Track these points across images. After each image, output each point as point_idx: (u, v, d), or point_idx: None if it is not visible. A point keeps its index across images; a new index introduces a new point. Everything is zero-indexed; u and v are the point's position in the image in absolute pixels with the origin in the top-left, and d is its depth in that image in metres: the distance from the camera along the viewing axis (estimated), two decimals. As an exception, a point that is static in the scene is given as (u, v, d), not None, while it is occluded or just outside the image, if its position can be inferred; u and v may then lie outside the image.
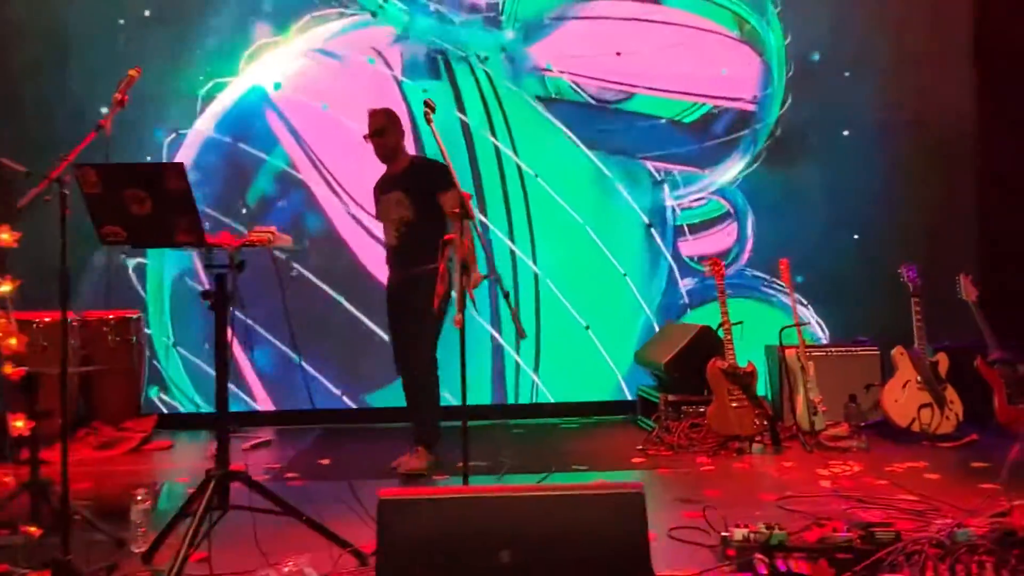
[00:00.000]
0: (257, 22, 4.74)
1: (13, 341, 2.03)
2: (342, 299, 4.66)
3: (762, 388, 4.16)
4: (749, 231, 4.86)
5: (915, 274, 4.01)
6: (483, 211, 4.76)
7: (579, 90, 4.83)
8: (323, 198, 4.76)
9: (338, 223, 4.75)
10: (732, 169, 4.87)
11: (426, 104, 2.45)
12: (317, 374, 4.62)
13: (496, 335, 4.78)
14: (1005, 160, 4.69)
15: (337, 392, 4.69)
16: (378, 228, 3.85)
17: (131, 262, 4.66)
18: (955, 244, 4.75)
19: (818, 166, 4.85)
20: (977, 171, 4.89)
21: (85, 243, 2.42)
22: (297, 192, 4.74)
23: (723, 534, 2.29)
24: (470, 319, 4.16)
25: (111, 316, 4.18)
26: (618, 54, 4.78)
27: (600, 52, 4.80)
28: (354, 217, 4.70)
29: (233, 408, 4.55)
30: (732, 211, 4.86)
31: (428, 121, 2.41)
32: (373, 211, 3.72)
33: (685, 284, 4.87)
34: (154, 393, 4.65)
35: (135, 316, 4.35)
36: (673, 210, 4.86)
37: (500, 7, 4.81)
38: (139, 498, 2.58)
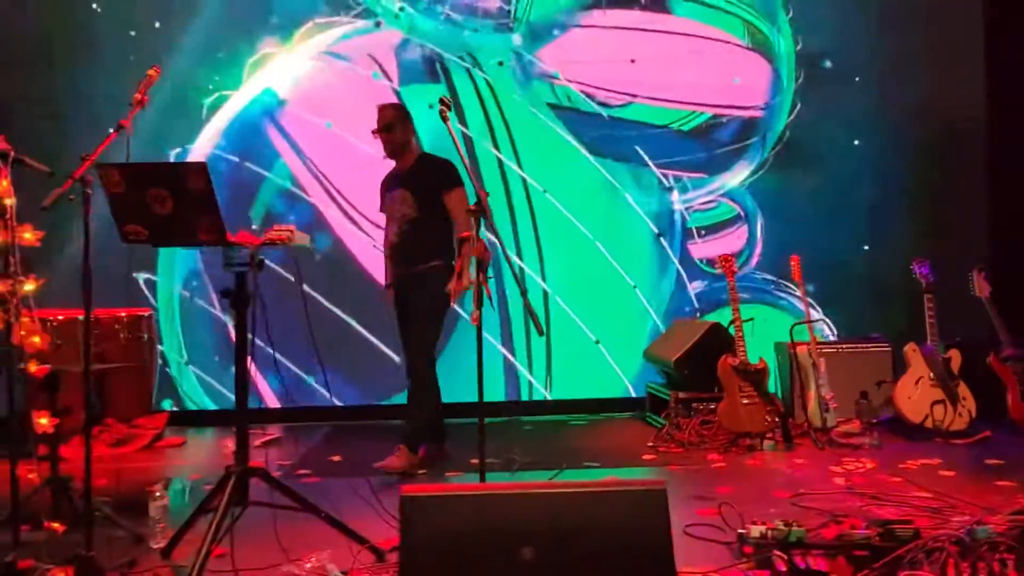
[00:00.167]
0: (261, 30, 4.74)
1: (37, 339, 2.04)
2: (352, 321, 4.68)
3: (772, 385, 4.16)
4: (759, 234, 4.86)
5: (927, 270, 4.01)
6: (490, 227, 4.79)
7: (587, 98, 4.82)
8: (323, 205, 4.76)
9: (343, 236, 4.76)
10: (740, 174, 4.87)
11: (441, 102, 2.44)
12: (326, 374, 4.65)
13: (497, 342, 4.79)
14: (1018, 156, 4.68)
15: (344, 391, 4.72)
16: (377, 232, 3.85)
17: (141, 277, 4.69)
18: (967, 240, 4.74)
19: (827, 167, 4.85)
20: (989, 167, 4.88)
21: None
22: (302, 205, 4.75)
23: (740, 531, 2.30)
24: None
25: (123, 314, 4.19)
26: (632, 61, 4.78)
27: (613, 59, 4.80)
28: (361, 227, 4.69)
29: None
30: (742, 214, 4.86)
31: (444, 119, 2.40)
32: (377, 210, 3.71)
33: (694, 287, 4.87)
34: (167, 405, 4.67)
35: (147, 314, 4.36)
36: (682, 214, 4.86)
37: (512, 12, 4.80)
38: (157, 494, 2.59)
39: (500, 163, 4.80)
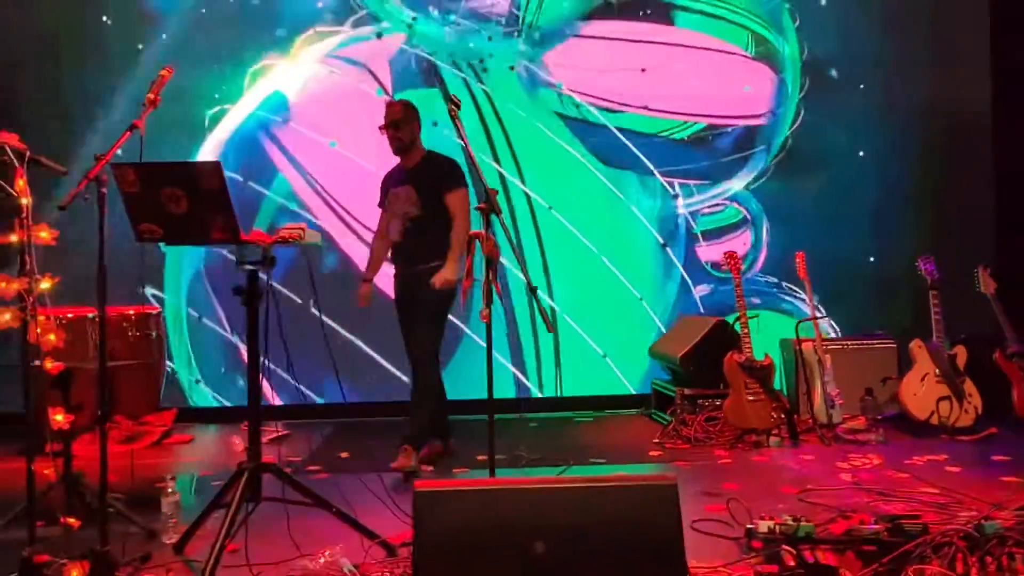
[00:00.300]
0: (266, 41, 4.75)
1: (52, 337, 2.06)
2: (359, 341, 4.69)
3: (778, 382, 4.18)
4: (764, 237, 4.87)
5: (932, 267, 4.02)
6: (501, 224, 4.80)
7: (592, 107, 4.83)
8: (322, 215, 4.77)
9: (347, 250, 4.77)
10: (745, 179, 4.89)
11: (451, 101, 2.45)
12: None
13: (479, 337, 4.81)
14: (1022, 152, 4.69)
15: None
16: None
17: (149, 291, 4.73)
18: (973, 237, 4.75)
19: (832, 170, 4.87)
20: (995, 164, 4.88)
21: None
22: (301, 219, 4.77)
23: (748, 526, 2.31)
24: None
25: (131, 311, 4.21)
26: (643, 70, 4.80)
27: (620, 69, 4.81)
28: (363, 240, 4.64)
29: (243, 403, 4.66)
30: (748, 217, 4.88)
31: (454, 118, 2.41)
32: (377, 207, 3.67)
33: (700, 291, 4.89)
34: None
35: (155, 312, 4.39)
36: (687, 219, 4.88)
37: (521, 18, 4.81)
38: (169, 491, 2.62)
39: (503, 178, 4.81)
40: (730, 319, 4.11)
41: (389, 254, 3.62)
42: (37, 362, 2.16)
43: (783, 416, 3.80)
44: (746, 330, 3.86)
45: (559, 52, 4.84)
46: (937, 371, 3.92)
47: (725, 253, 4.08)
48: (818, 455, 3.54)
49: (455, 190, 3.43)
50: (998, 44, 4.85)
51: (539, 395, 4.84)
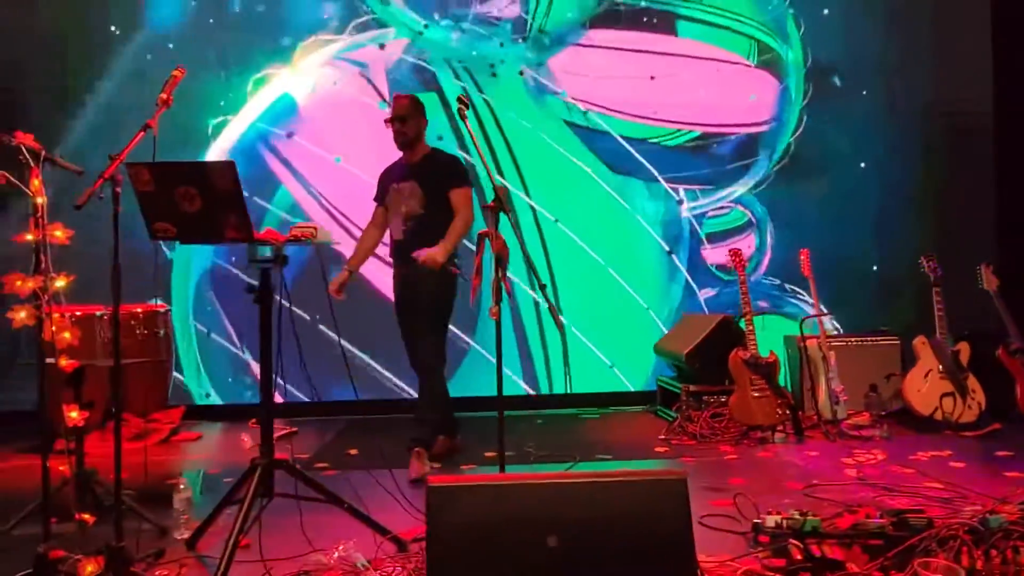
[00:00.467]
0: (271, 50, 4.77)
1: (67, 335, 2.09)
2: (366, 356, 4.71)
3: (783, 378, 4.19)
4: (768, 240, 4.89)
5: (936, 264, 4.04)
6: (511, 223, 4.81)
7: (596, 115, 4.85)
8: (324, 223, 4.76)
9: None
10: (749, 184, 4.91)
11: (460, 100, 2.47)
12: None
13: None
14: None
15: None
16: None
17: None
18: (975, 235, 4.76)
19: (835, 172, 4.89)
20: (997, 162, 4.90)
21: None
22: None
23: (755, 521, 2.34)
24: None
25: (139, 310, 4.24)
26: (652, 78, 4.82)
27: (629, 76, 4.84)
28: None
29: (250, 392, 4.67)
30: (753, 220, 4.90)
31: (462, 117, 2.43)
32: (374, 199, 3.64)
33: (705, 294, 4.90)
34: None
35: (163, 310, 4.41)
36: (691, 221, 4.90)
37: (528, 24, 4.82)
38: (181, 487, 2.65)
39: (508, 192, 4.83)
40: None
41: (389, 252, 3.59)
42: (51, 359, 2.19)
43: (788, 412, 3.82)
44: (751, 327, 3.88)
45: (567, 59, 4.85)
46: (941, 367, 3.94)
47: (730, 251, 4.10)
48: (823, 451, 3.56)
49: (460, 187, 3.42)
50: (999, 44, 4.87)
51: (529, 394, 4.87)
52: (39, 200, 2.04)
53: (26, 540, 2.36)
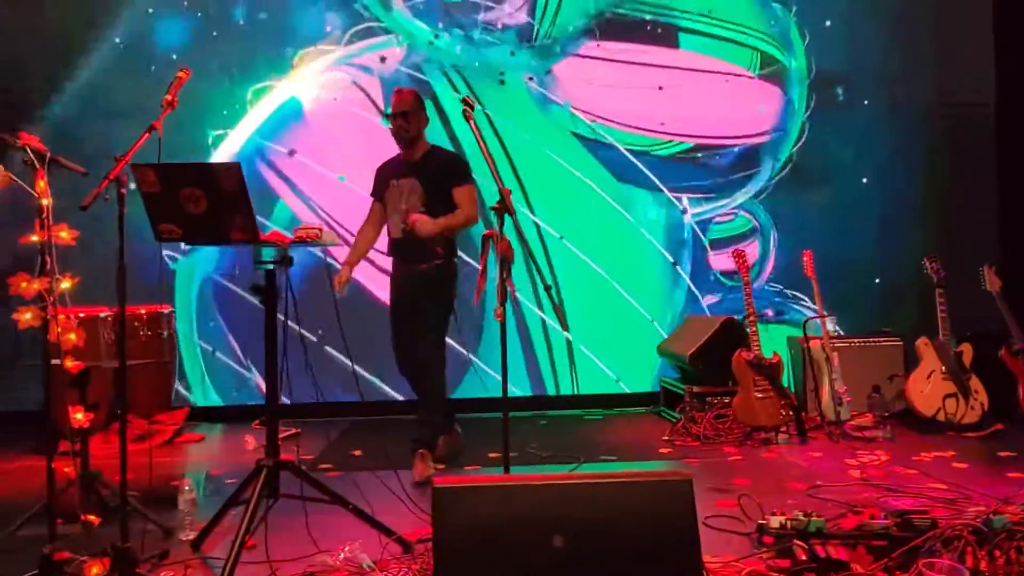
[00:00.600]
0: (275, 62, 4.76)
1: (73, 336, 2.09)
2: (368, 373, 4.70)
3: (786, 379, 4.20)
4: (772, 246, 4.90)
5: (939, 265, 4.04)
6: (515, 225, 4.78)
7: (600, 125, 4.86)
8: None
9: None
10: (751, 192, 4.93)
11: (464, 102, 2.46)
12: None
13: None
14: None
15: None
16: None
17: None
18: (978, 236, 4.77)
19: (838, 176, 4.90)
20: (999, 164, 4.91)
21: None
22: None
23: (759, 521, 2.34)
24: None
25: (143, 311, 4.24)
26: (660, 88, 4.83)
27: (636, 87, 4.84)
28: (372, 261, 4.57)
29: (252, 401, 4.68)
30: (757, 226, 4.91)
31: (467, 119, 2.43)
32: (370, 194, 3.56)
33: (708, 301, 4.90)
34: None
35: (167, 311, 4.41)
36: (693, 228, 4.90)
37: (535, 32, 4.82)
38: (186, 488, 2.66)
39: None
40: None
41: (387, 251, 3.52)
42: (55, 361, 2.19)
43: (791, 413, 3.82)
44: (754, 328, 3.88)
45: (571, 69, 4.85)
46: (943, 368, 3.94)
47: (733, 251, 4.10)
48: (826, 452, 3.56)
49: (464, 184, 3.35)
50: (1001, 45, 4.87)
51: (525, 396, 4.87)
52: (44, 201, 2.05)
53: (31, 541, 2.36)
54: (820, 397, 4.03)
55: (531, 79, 4.84)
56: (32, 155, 2.08)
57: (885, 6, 4.95)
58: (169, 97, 2.17)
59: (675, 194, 4.89)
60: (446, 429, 3.55)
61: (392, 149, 3.47)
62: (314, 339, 4.50)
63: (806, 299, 4.72)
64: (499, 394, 2.34)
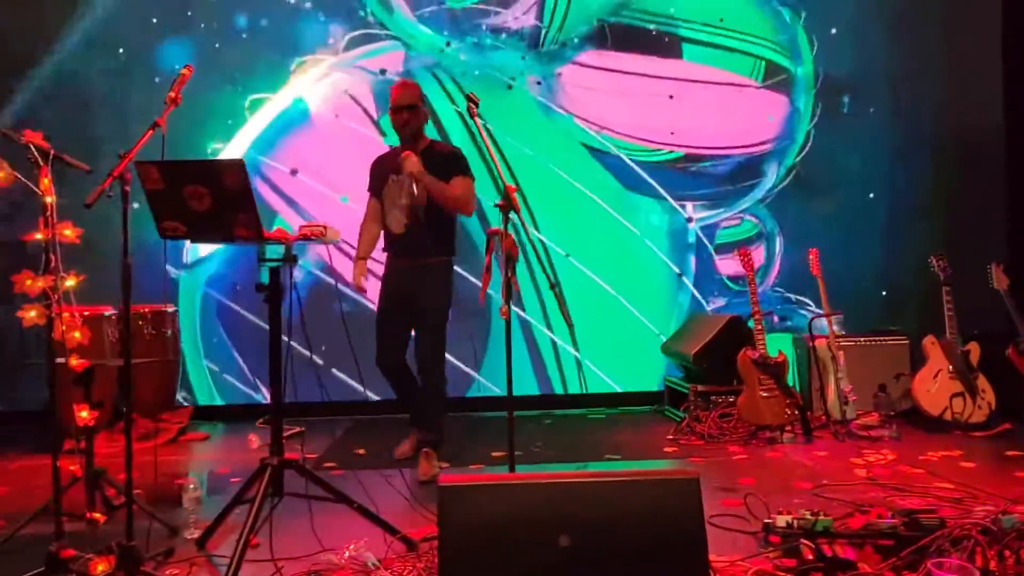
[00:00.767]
0: (269, 69, 4.73)
1: (77, 334, 2.09)
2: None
3: (791, 378, 4.18)
4: (778, 251, 4.88)
5: (945, 263, 4.03)
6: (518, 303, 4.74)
7: (607, 136, 4.85)
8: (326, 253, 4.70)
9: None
10: (757, 198, 4.92)
11: (469, 99, 2.46)
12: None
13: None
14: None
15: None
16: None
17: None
18: (986, 234, 4.75)
19: (845, 179, 4.89)
20: (1007, 162, 4.88)
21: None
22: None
23: (766, 521, 2.33)
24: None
25: (147, 310, 4.25)
26: (671, 97, 4.81)
27: (637, 97, 4.83)
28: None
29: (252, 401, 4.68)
30: (764, 231, 4.89)
31: (472, 116, 2.42)
32: (367, 189, 3.51)
33: (714, 305, 4.88)
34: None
35: (170, 310, 4.42)
36: (698, 236, 4.88)
37: (542, 38, 4.81)
38: (191, 487, 2.65)
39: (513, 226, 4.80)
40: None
41: (383, 246, 3.45)
42: (60, 359, 2.19)
43: (797, 412, 3.81)
44: (759, 326, 3.87)
45: (575, 78, 4.83)
46: (950, 367, 3.92)
47: (739, 250, 4.08)
48: (832, 451, 3.55)
49: (464, 175, 3.31)
50: (1009, 44, 4.85)
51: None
52: (48, 199, 2.04)
53: (37, 539, 2.36)
54: (826, 396, 4.01)
55: (538, 83, 4.81)
56: (36, 152, 2.07)
57: (891, 10, 4.92)
58: (173, 94, 2.17)
59: (679, 202, 4.88)
60: (420, 430, 3.47)
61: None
62: (321, 349, 4.48)
63: (811, 304, 4.70)
64: (507, 391, 2.32)
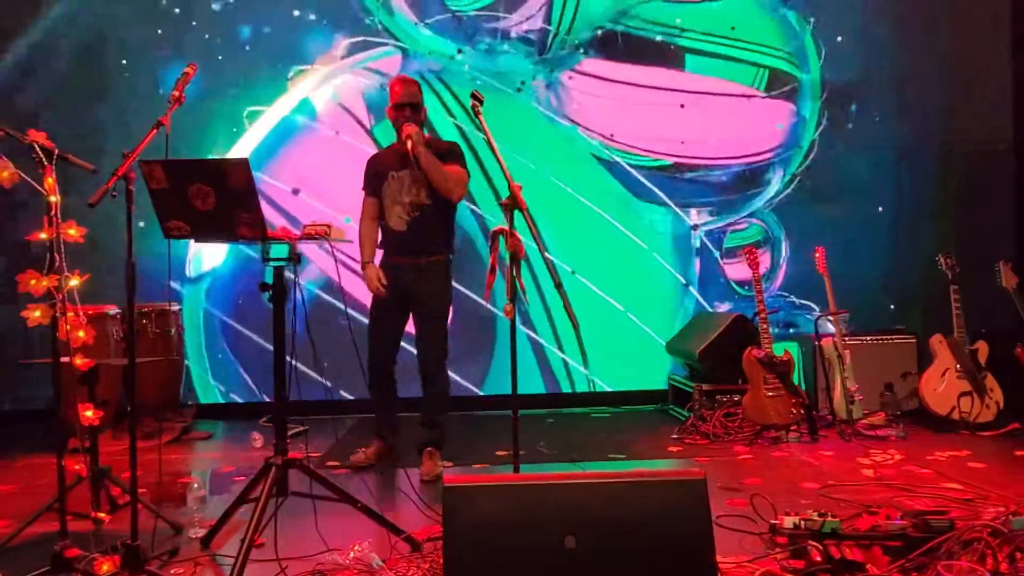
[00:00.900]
0: (271, 78, 4.70)
1: (82, 334, 2.08)
2: None
3: (797, 377, 4.15)
4: (783, 257, 4.85)
5: (953, 261, 4.00)
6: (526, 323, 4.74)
7: (610, 148, 4.83)
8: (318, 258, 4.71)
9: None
10: (762, 201, 4.90)
11: (474, 96, 2.44)
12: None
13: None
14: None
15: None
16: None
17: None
18: (994, 233, 4.71)
19: (851, 182, 4.86)
20: (1016, 159, 4.84)
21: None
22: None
23: (772, 522, 2.31)
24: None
25: (150, 309, 4.25)
26: (682, 106, 4.79)
27: (641, 106, 4.81)
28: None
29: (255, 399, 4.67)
30: (770, 236, 4.87)
31: (477, 114, 2.40)
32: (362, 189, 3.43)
33: (720, 310, 4.86)
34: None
35: (175, 309, 4.41)
36: (703, 240, 4.87)
37: (548, 43, 4.78)
38: (195, 486, 2.66)
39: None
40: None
41: (381, 243, 3.39)
42: (65, 358, 2.19)
43: (803, 412, 3.79)
44: (765, 325, 3.85)
45: (581, 87, 4.80)
46: (958, 366, 3.90)
47: (745, 249, 4.06)
48: (838, 451, 3.53)
49: (461, 165, 3.27)
50: (1018, 41, 4.81)
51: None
52: (52, 198, 2.04)
53: (42, 538, 2.36)
54: (832, 395, 3.99)
55: (546, 87, 4.79)
56: (40, 152, 2.07)
57: (898, 15, 4.88)
58: (176, 93, 2.16)
59: (684, 210, 4.86)
60: (375, 436, 3.45)
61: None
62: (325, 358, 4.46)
63: (817, 308, 4.67)
64: (512, 390, 2.31)
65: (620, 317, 4.81)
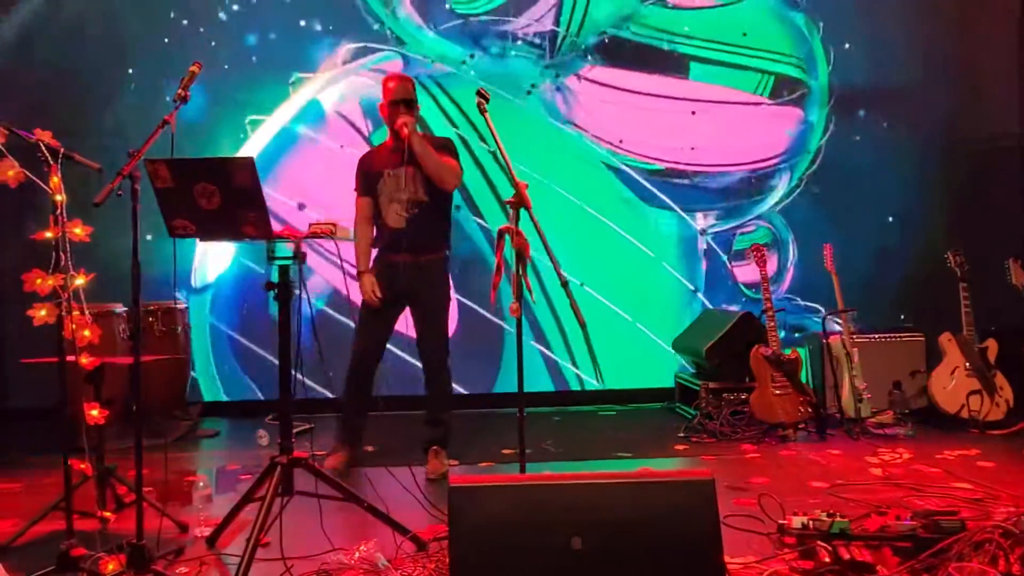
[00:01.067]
0: (272, 85, 4.67)
1: (87, 333, 2.08)
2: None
3: (805, 375, 4.13)
4: (791, 258, 4.83)
5: (962, 258, 3.97)
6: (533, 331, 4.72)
7: (616, 155, 4.81)
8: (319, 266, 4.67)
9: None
10: (770, 203, 4.88)
11: (479, 94, 2.42)
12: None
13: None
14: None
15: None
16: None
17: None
18: (1003, 230, 4.67)
19: (859, 181, 4.83)
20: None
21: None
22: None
23: (780, 522, 2.30)
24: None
25: (156, 307, 4.25)
26: (693, 113, 4.77)
27: (643, 111, 4.79)
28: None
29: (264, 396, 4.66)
30: (778, 238, 4.85)
31: (482, 111, 2.39)
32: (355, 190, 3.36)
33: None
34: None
35: (181, 307, 4.41)
36: (709, 243, 4.85)
37: (555, 46, 4.75)
38: (201, 485, 2.65)
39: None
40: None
41: (377, 242, 3.35)
42: (71, 357, 2.19)
43: (811, 410, 3.77)
44: (772, 323, 3.82)
45: (586, 93, 4.78)
46: (967, 364, 3.87)
47: (752, 247, 4.04)
48: (846, 450, 3.51)
49: (455, 158, 3.25)
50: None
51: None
52: (58, 197, 2.03)
53: (48, 537, 2.36)
54: (840, 393, 3.96)
55: (555, 90, 4.76)
56: (45, 151, 2.06)
57: (906, 19, 4.84)
58: (182, 91, 2.15)
59: (690, 214, 4.84)
60: (344, 444, 3.41)
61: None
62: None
63: (823, 310, 4.65)
64: (518, 388, 2.30)
65: (629, 327, 4.80)
